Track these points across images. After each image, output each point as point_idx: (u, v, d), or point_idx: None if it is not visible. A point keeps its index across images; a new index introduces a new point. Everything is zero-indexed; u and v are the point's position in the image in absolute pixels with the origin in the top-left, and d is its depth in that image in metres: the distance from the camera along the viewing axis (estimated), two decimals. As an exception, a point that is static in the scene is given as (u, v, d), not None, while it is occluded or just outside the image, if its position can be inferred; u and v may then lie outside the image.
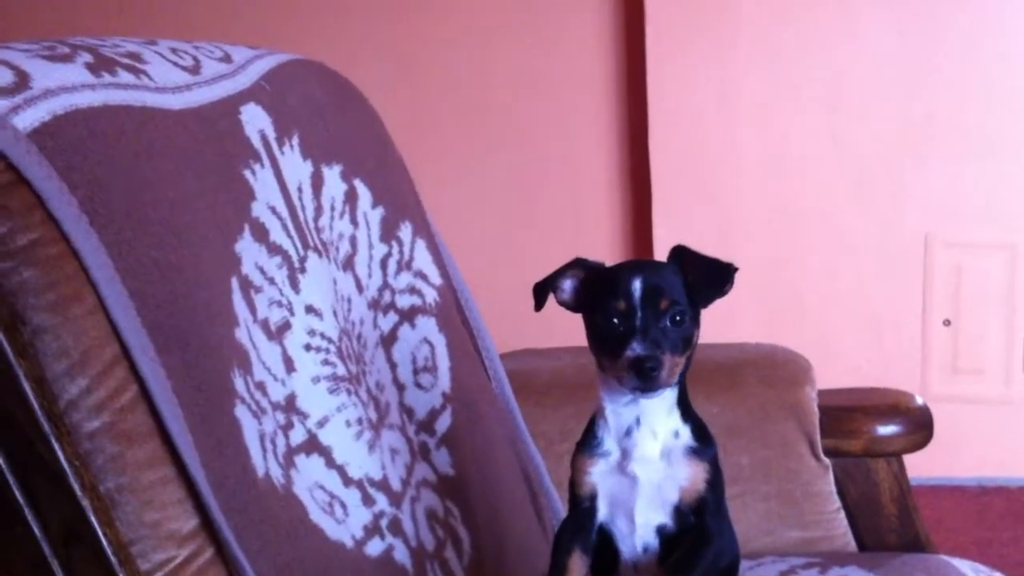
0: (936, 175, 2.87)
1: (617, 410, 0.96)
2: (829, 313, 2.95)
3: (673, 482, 0.96)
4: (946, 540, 2.35)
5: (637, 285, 0.92)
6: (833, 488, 1.52)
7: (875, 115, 2.87)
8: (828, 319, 2.94)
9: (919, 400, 1.53)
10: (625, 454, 0.96)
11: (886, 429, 1.49)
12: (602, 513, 0.98)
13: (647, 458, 0.96)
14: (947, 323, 2.93)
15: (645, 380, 0.91)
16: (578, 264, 0.98)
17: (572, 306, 0.98)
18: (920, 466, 1.59)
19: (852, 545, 1.52)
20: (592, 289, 0.96)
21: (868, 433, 1.50)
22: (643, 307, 0.92)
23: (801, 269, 2.95)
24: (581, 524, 0.98)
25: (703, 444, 0.98)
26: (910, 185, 2.88)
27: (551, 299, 0.98)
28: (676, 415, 0.97)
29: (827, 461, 1.52)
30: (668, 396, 0.96)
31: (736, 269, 0.95)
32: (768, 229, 2.94)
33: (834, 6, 2.84)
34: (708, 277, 0.95)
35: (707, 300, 0.95)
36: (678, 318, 0.92)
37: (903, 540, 1.51)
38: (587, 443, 0.98)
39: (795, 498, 1.52)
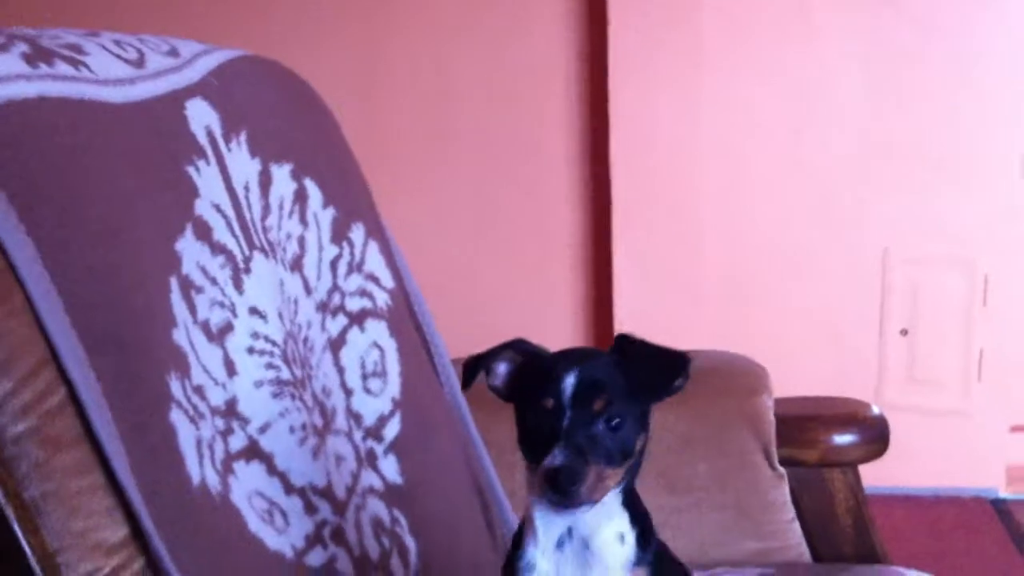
0: (895, 192, 2.88)
1: (546, 519, 0.84)
2: (786, 321, 2.95)
3: None
4: (899, 550, 2.33)
5: (570, 381, 0.80)
6: (788, 498, 1.50)
7: (836, 134, 2.89)
8: (785, 327, 2.94)
9: (876, 410, 1.52)
10: (558, 573, 0.84)
11: (842, 439, 1.48)
12: None
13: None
14: (904, 332, 2.94)
15: (561, 496, 0.79)
16: (516, 346, 0.87)
17: (504, 394, 0.87)
18: (874, 475, 1.58)
19: (806, 556, 1.51)
20: (526, 378, 0.84)
21: (824, 443, 1.48)
22: (573, 407, 0.80)
23: (760, 282, 2.95)
24: None
25: (646, 549, 0.85)
26: (869, 201, 2.90)
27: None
28: (622, 520, 0.84)
29: (783, 471, 1.50)
30: (610, 502, 0.83)
31: (689, 360, 0.83)
32: (728, 243, 2.94)
33: (797, 26, 2.86)
34: (655, 370, 0.83)
35: (653, 398, 0.84)
36: (614, 423, 0.80)
37: (858, 551, 1.50)
38: (514, 559, 0.85)
39: (750, 508, 1.50)
